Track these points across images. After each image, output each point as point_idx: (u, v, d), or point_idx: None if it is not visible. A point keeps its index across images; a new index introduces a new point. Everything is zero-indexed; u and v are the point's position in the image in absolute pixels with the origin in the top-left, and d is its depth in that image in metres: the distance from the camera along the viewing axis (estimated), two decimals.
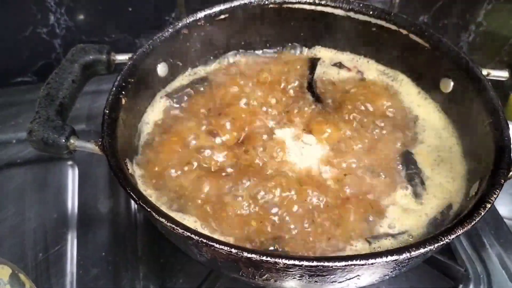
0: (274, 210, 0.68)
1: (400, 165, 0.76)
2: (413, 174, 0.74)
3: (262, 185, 0.69)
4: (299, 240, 0.65)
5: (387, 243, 0.66)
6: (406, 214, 0.70)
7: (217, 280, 0.75)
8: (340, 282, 0.58)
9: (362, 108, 0.83)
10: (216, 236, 0.64)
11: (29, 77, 1.13)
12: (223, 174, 0.72)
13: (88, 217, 0.85)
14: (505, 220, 0.87)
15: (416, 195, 0.72)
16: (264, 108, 0.83)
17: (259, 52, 0.94)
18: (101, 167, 0.91)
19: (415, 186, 0.73)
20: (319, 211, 0.68)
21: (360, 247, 0.66)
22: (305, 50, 0.94)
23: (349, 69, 0.91)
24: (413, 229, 0.68)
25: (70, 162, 0.93)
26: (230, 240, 0.65)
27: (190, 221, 0.67)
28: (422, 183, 0.73)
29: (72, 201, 0.87)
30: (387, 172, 0.74)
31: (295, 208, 0.68)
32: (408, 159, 0.76)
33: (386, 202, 0.71)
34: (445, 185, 0.73)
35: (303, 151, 0.77)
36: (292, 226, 0.66)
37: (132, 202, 0.85)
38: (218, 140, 0.77)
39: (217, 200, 0.68)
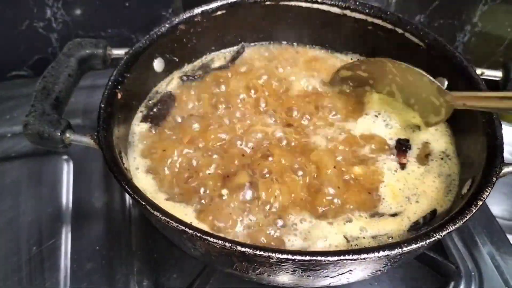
0: None
1: None
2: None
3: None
4: None
5: (365, 242, 0.66)
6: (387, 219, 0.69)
7: (211, 275, 0.75)
8: (333, 277, 0.58)
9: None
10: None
11: (25, 71, 1.12)
12: None
13: (83, 212, 0.85)
14: (497, 219, 0.88)
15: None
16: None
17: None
18: (96, 161, 0.91)
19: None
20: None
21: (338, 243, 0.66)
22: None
23: None
24: (393, 231, 0.68)
25: (65, 157, 0.92)
26: None
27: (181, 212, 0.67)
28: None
29: (66, 196, 0.87)
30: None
31: None
32: None
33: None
34: (433, 186, 0.73)
35: None
36: None
37: (127, 197, 0.86)
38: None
39: None
